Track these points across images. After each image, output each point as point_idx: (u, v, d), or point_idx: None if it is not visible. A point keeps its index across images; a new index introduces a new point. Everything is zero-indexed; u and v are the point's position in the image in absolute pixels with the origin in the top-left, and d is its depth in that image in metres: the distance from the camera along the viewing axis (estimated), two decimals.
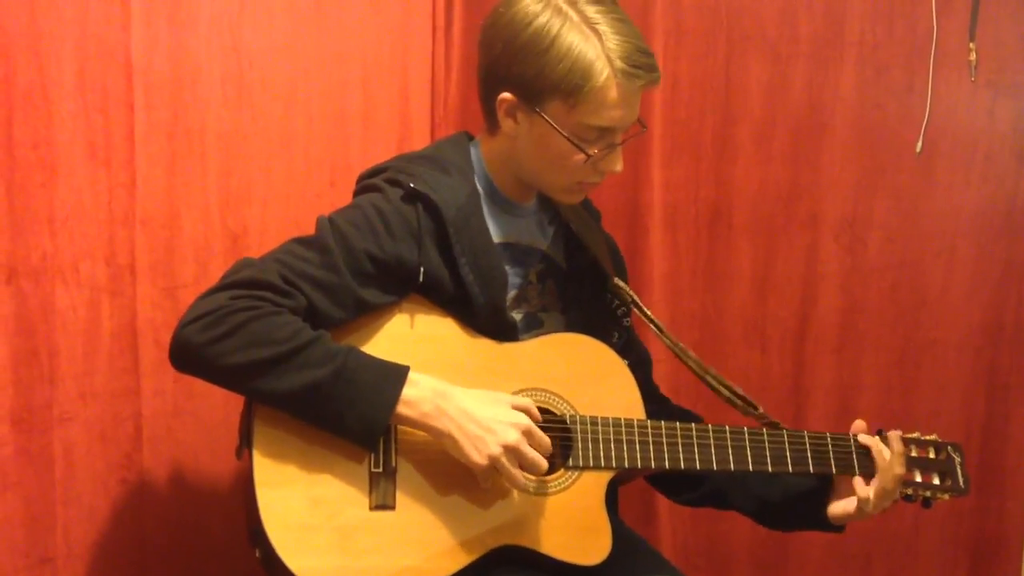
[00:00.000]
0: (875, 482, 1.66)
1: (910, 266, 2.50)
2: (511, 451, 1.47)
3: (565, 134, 1.54)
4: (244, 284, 1.44)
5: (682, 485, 1.83)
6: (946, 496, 1.72)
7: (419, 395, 1.46)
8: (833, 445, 1.69)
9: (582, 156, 1.55)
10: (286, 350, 1.41)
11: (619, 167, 1.59)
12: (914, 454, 1.73)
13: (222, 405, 1.85)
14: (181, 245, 1.85)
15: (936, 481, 1.72)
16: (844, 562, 2.56)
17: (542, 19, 1.52)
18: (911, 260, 2.50)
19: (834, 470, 1.68)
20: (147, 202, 1.81)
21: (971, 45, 2.43)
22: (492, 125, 1.63)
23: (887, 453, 1.67)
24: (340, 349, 1.45)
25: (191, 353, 1.42)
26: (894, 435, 1.70)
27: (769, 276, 2.51)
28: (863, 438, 1.70)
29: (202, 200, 1.88)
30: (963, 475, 1.73)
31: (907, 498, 1.70)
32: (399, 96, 2.08)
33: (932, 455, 1.74)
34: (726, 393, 1.72)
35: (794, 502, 1.74)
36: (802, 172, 2.48)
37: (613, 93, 1.52)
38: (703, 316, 2.50)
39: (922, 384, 2.53)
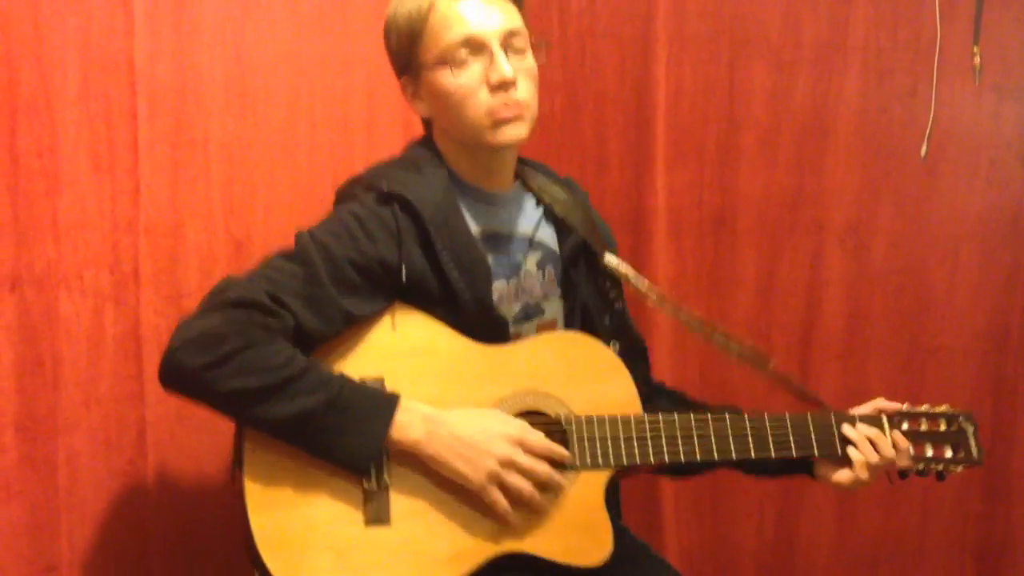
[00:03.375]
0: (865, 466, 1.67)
1: (915, 271, 2.50)
2: (507, 463, 1.48)
3: (436, 61, 1.58)
4: (233, 304, 1.44)
5: None
6: (959, 468, 1.70)
7: (410, 421, 1.46)
8: (838, 427, 1.69)
9: (463, 77, 1.56)
10: (279, 379, 1.41)
11: (503, 71, 1.56)
12: (924, 428, 1.72)
13: None
14: (185, 253, 1.85)
15: (948, 454, 1.70)
16: (850, 566, 2.56)
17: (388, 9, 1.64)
18: (916, 265, 2.49)
19: (839, 452, 1.68)
20: (151, 210, 1.81)
21: (975, 49, 2.43)
22: (421, 120, 1.70)
23: (871, 447, 1.67)
24: (332, 378, 1.45)
25: (184, 377, 1.43)
26: (890, 433, 1.70)
27: (773, 281, 2.50)
28: (856, 429, 1.69)
29: (205, 208, 1.88)
30: (976, 445, 1.71)
31: (920, 472, 1.70)
32: (402, 103, 2.05)
33: (943, 427, 1.73)
34: (736, 348, 1.73)
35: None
36: (806, 177, 2.48)
37: (444, 9, 1.57)
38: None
39: (928, 389, 2.51)
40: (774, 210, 2.48)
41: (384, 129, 2.07)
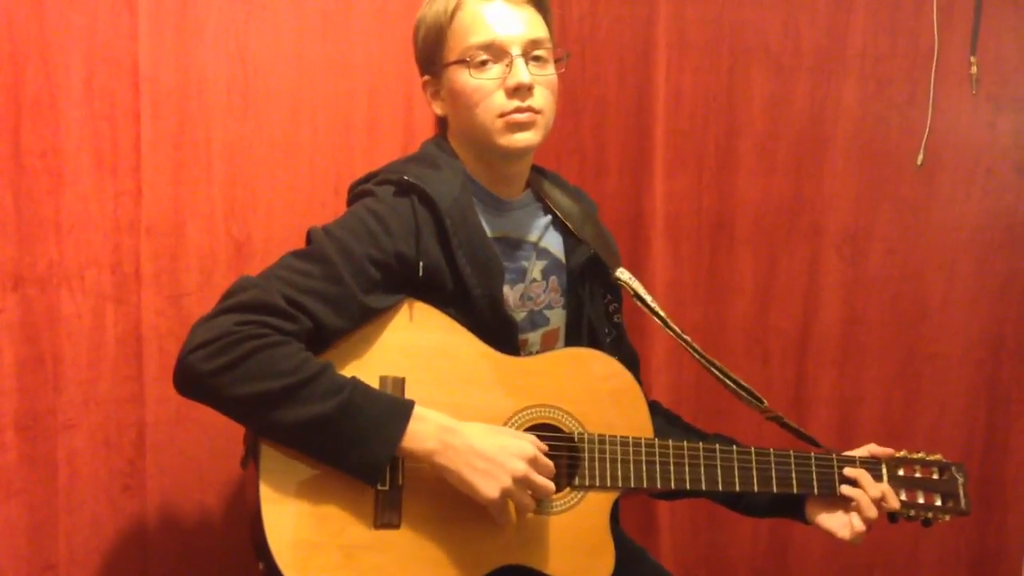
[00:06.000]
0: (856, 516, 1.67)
1: (911, 278, 2.51)
2: (521, 481, 1.46)
3: (457, 60, 1.60)
4: (248, 307, 1.42)
5: None
6: (947, 517, 1.72)
7: (424, 431, 1.44)
8: (839, 468, 1.68)
9: (481, 78, 1.58)
10: (291, 383, 1.39)
11: (520, 76, 1.58)
12: (918, 475, 1.73)
13: None
14: (186, 253, 1.86)
15: (938, 502, 1.72)
16: (844, 573, 2.56)
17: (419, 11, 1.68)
18: (912, 272, 2.51)
19: (837, 492, 1.67)
20: (152, 210, 1.81)
21: (972, 59, 2.44)
22: (438, 121, 1.70)
23: (866, 495, 1.66)
24: (345, 383, 1.43)
25: (196, 381, 1.40)
26: (887, 488, 1.69)
27: (771, 287, 2.51)
28: (857, 470, 1.69)
29: (207, 208, 1.88)
30: (965, 496, 1.73)
31: (909, 518, 1.71)
32: (403, 106, 2.09)
33: (936, 476, 1.74)
34: (732, 386, 1.73)
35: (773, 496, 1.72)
36: (804, 184, 2.49)
37: (471, 11, 1.60)
38: (704, 327, 2.51)
39: (923, 396, 2.53)
40: (772, 216, 2.50)
41: (385, 132, 2.07)
